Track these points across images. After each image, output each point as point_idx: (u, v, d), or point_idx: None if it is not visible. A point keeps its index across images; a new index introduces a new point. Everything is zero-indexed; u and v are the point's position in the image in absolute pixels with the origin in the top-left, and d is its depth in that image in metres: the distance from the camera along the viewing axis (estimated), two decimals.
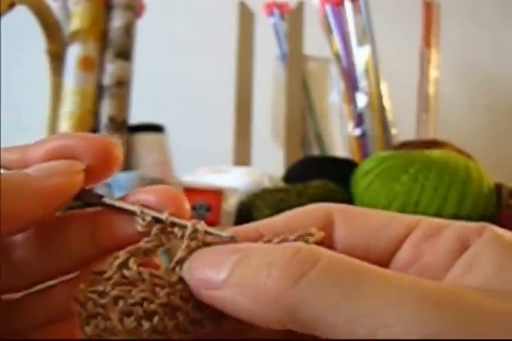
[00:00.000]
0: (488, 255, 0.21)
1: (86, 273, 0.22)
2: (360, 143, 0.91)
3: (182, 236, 0.23)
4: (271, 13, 1.00)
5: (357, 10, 0.90)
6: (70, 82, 0.84)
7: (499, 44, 1.21)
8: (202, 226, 0.23)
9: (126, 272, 0.21)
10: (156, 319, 0.21)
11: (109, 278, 0.21)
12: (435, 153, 0.71)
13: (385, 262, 0.23)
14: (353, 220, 0.23)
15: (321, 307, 0.18)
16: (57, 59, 0.86)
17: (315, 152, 0.98)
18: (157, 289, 0.21)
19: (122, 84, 0.86)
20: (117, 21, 0.86)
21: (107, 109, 0.85)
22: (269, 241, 0.23)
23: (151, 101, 1.13)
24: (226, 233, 0.23)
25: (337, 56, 0.92)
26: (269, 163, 0.87)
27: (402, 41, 1.09)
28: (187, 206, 0.24)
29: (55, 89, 0.86)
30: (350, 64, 0.91)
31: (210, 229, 0.23)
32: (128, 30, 0.87)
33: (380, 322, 0.18)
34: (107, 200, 0.24)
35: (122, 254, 0.22)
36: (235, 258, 0.21)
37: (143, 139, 0.89)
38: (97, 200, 0.24)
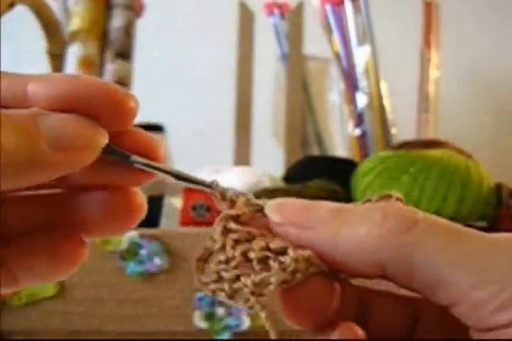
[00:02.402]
0: None
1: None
2: (360, 143, 0.91)
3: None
4: (271, 13, 1.00)
5: (357, 10, 0.90)
6: None
7: (499, 44, 1.21)
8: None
9: (232, 235, 0.22)
10: (287, 258, 0.21)
11: (224, 247, 0.22)
12: (435, 153, 0.71)
13: None
14: None
15: (434, 246, 0.20)
16: (57, 59, 0.86)
17: (315, 152, 0.98)
18: (269, 238, 0.22)
19: (122, 84, 0.86)
20: (117, 21, 0.86)
21: None
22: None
23: (151, 101, 1.13)
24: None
25: (337, 56, 0.92)
26: (269, 163, 0.87)
27: (402, 41, 1.09)
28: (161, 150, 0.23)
29: None
30: (350, 64, 0.91)
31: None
32: (128, 30, 0.87)
33: (488, 262, 0.20)
34: (135, 159, 0.22)
35: (221, 219, 0.22)
36: (333, 206, 0.22)
37: None
38: (123, 158, 0.22)
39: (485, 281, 0.19)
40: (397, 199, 0.24)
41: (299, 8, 0.96)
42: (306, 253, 0.21)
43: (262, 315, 0.21)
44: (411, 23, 0.99)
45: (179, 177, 0.23)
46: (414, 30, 0.97)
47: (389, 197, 0.24)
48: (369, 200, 0.24)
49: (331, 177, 0.74)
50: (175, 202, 0.70)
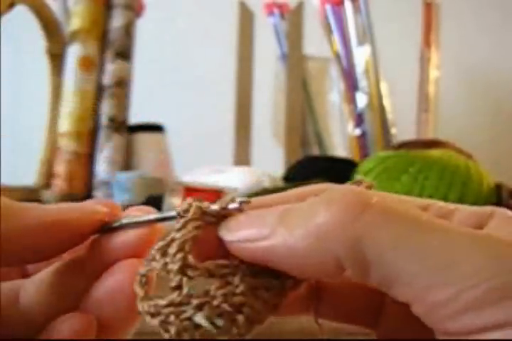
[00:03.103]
0: (501, 234, 0.20)
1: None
2: (360, 143, 0.91)
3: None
4: (271, 13, 1.00)
5: (357, 10, 0.90)
6: (70, 82, 0.84)
7: (499, 44, 1.21)
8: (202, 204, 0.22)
9: (190, 272, 0.20)
10: (246, 309, 0.19)
11: (179, 286, 0.20)
12: (435, 153, 0.71)
13: None
14: None
15: (386, 239, 0.17)
16: (57, 59, 0.86)
17: (315, 152, 0.98)
18: (230, 278, 0.20)
19: (122, 84, 0.86)
20: (117, 21, 0.86)
21: (106, 109, 0.85)
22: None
23: (151, 101, 1.13)
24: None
25: (337, 56, 0.92)
26: (269, 163, 0.87)
27: (402, 41, 1.09)
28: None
29: (55, 89, 0.86)
30: (350, 64, 0.91)
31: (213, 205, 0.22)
32: (128, 30, 0.87)
33: (448, 260, 0.17)
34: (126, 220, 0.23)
35: (174, 255, 0.20)
36: (280, 210, 0.20)
37: (143, 139, 0.89)
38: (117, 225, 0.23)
39: (443, 281, 0.17)
40: (367, 186, 0.22)
41: (299, 8, 0.96)
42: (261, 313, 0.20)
43: None
44: (411, 23, 0.99)
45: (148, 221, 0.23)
46: (414, 30, 0.97)
47: (359, 184, 0.22)
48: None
49: (330, 177, 0.73)
50: (175, 202, 0.70)
